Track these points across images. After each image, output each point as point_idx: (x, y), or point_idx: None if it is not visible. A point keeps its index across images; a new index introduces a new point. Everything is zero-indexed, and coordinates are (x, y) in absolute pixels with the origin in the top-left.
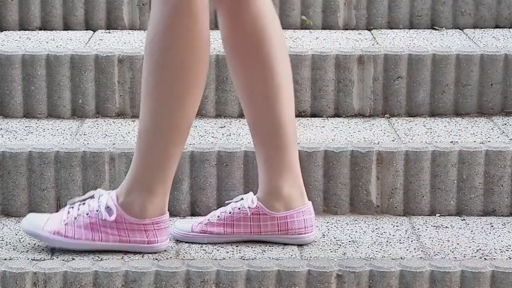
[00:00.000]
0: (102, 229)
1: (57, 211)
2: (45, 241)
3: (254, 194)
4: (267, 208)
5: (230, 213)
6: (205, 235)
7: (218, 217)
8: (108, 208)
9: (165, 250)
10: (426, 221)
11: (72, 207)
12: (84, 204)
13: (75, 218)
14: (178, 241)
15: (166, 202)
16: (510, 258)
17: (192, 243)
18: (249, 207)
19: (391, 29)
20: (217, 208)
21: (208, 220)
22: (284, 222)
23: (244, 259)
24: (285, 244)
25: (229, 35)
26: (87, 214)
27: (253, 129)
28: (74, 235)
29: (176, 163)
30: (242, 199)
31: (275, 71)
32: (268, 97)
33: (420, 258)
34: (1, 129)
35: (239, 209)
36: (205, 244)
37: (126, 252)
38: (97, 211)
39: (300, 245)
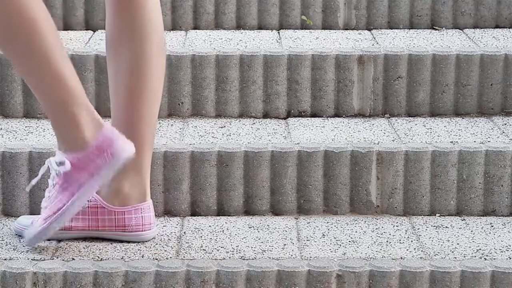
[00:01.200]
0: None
1: None
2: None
3: None
4: (107, 203)
5: (66, 207)
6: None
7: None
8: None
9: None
10: (426, 221)
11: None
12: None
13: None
14: (179, 241)
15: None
16: (510, 258)
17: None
18: (88, 201)
19: (391, 29)
20: (217, 207)
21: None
22: (122, 218)
23: (244, 259)
24: (122, 241)
25: (114, 20)
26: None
27: (116, 122)
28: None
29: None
30: None
31: (146, 67)
32: (132, 92)
33: (420, 258)
34: (1, 129)
35: (76, 205)
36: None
37: (126, 252)
38: (57, 174)
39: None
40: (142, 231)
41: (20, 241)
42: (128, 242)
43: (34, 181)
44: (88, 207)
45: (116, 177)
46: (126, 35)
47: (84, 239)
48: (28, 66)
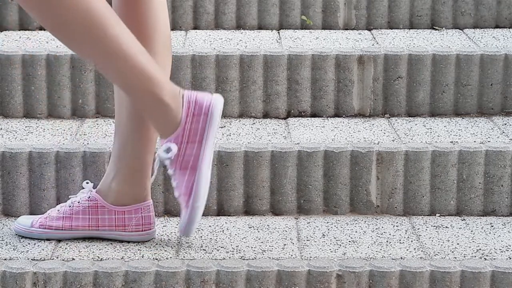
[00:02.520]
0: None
1: None
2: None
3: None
4: (106, 200)
5: (69, 206)
6: (44, 230)
7: (58, 210)
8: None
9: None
10: (426, 221)
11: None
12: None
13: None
14: (179, 241)
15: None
16: (510, 258)
17: (32, 238)
18: (88, 198)
19: (391, 29)
20: (217, 207)
21: (48, 214)
22: (122, 217)
23: (244, 259)
24: (122, 241)
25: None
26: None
27: (118, 126)
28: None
29: None
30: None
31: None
32: None
33: (420, 258)
34: (1, 129)
35: (78, 202)
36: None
37: (126, 252)
38: (171, 161)
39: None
40: (142, 231)
41: (20, 241)
42: (128, 242)
43: (152, 179)
44: (88, 206)
45: (117, 177)
46: (132, 33)
47: (84, 239)
48: (118, 78)
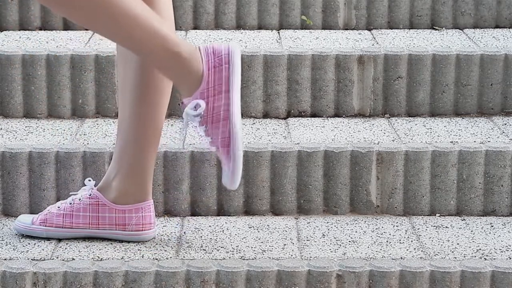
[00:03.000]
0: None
1: None
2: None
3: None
4: (107, 198)
5: (70, 203)
6: (45, 228)
7: (58, 207)
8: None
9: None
10: (426, 221)
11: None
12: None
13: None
14: (179, 241)
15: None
16: (510, 258)
17: (33, 238)
18: (89, 196)
19: (391, 29)
20: (217, 207)
21: (48, 210)
22: (122, 216)
23: (244, 259)
24: (122, 241)
25: None
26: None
27: (121, 124)
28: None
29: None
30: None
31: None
32: (138, 89)
33: (420, 258)
34: (1, 129)
35: (79, 200)
36: (47, 240)
37: (126, 252)
38: (201, 118)
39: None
40: (142, 230)
41: (20, 241)
42: (128, 242)
43: (182, 143)
44: (89, 204)
45: (119, 176)
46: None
47: (84, 239)
48: (135, 43)
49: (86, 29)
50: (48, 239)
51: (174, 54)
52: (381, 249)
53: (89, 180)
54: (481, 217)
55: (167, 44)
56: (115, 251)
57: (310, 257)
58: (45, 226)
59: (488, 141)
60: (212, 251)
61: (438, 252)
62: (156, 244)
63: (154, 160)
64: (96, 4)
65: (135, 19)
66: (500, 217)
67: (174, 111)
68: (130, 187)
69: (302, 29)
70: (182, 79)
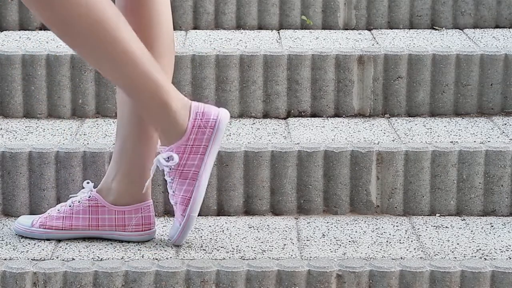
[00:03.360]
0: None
1: None
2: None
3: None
4: (106, 200)
5: (70, 206)
6: (44, 230)
7: (58, 210)
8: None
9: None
10: (426, 221)
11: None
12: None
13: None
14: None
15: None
16: (510, 258)
17: (33, 238)
18: (88, 198)
19: (391, 29)
20: (217, 207)
21: (48, 213)
22: (122, 217)
23: (244, 259)
24: (122, 241)
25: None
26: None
27: (120, 125)
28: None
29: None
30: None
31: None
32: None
33: (420, 258)
34: (1, 129)
35: (78, 202)
36: (47, 240)
37: (126, 252)
38: (170, 170)
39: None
40: (142, 231)
41: (20, 241)
42: (128, 242)
43: (147, 182)
44: (89, 206)
45: (118, 177)
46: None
47: (84, 239)
48: (125, 83)
49: None
50: (48, 239)
51: (163, 103)
52: (381, 249)
53: (88, 183)
54: (481, 217)
55: (159, 91)
56: (115, 251)
57: (310, 257)
58: (45, 228)
59: (488, 141)
60: (212, 251)
61: (438, 252)
62: (156, 244)
63: (152, 157)
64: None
65: (133, 61)
66: (500, 217)
67: None
68: (130, 187)
69: (302, 29)
70: (164, 129)
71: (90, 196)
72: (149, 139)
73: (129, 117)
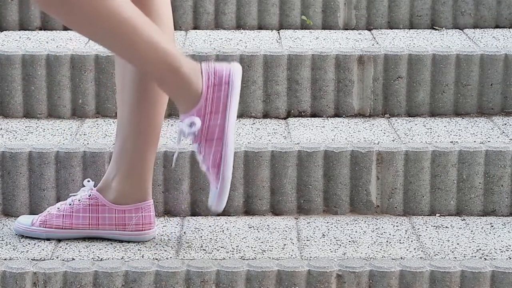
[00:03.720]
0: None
1: None
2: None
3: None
4: (107, 199)
5: (70, 204)
6: (45, 229)
7: (58, 208)
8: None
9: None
10: (426, 221)
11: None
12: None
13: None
14: (179, 241)
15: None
16: (510, 258)
17: (32, 238)
18: (89, 197)
19: (391, 29)
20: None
21: (48, 211)
22: (122, 216)
23: (244, 259)
24: (122, 241)
25: None
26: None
27: (120, 124)
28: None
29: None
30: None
31: None
32: (136, 90)
33: (420, 258)
34: (1, 129)
35: (79, 200)
36: (47, 240)
37: (126, 252)
38: (195, 136)
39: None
40: (142, 230)
41: (20, 241)
42: (128, 242)
43: (175, 157)
44: (89, 204)
45: (118, 176)
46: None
47: (84, 239)
48: (136, 56)
49: None
50: (48, 239)
51: (175, 69)
52: (381, 249)
53: (88, 181)
54: (481, 217)
55: (168, 58)
56: (115, 251)
57: (310, 257)
58: (45, 227)
59: (488, 141)
60: (212, 251)
61: (438, 252)
62: (156, 244)
63: (154, 160)
64: (97, 13)
65: (135, 29)
66: (500, 217)
67: (174, 111)
68: (130, 187)
69: (302, 29)
70: (181, 95)
71: (90, 195)
72: (149, 137)
73: (129, 117)
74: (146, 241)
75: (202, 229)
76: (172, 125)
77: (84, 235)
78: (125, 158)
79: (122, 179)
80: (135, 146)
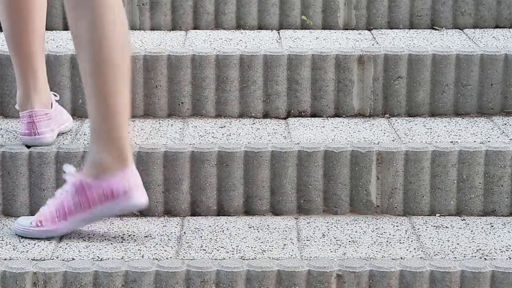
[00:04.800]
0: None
1: None
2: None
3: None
4: (90, 178)
5: (58, 197)
6: (42, 229)
7: (48, 204)
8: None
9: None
10: (426, 221)
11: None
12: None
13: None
14: (179, 241)
15: None
16: (510, 258)
17: (33, 238)
18: (73, 182)
19: (391, 29)
20: (217, 207)
21: (41, 211)
22: (109, 187)
23: (244, 259)
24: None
25: None
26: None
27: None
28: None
29: None
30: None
31: (102, 37)
32: (92, 63)
33: (420, 258)
34: (1, 129)
35: (66, 191)
36: (47, 240)
37: (126, 252)
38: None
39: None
40: (131, 196)
41: (20, 241)
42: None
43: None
44: (76, 189)
45: (92, 150)
46: (82, 4)
47: (84, 239)
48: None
49: None
50: (48, 239)
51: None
52: (381, 249)
53: (67, 167)
54: (481, 217)
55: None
56: (115, 251)
57: (310, 257)
58: (42, 225)
59: (488, 141)
60: (212, 251)
61: (438, 252)
62: (156, 244)
63: (127, 129)
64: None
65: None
66: (500, 217)
67: (173, 111)
68: (109, 158)
69: (302, 29)
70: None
71: (74, 181)
72: (118, 111)
73: (91, 92)
74: (140, 207)
75: (202, 229)
76: (172, 125)
77: (81, 222)
78: (95, 128)
79: (100, 152)
80: (98, 109)
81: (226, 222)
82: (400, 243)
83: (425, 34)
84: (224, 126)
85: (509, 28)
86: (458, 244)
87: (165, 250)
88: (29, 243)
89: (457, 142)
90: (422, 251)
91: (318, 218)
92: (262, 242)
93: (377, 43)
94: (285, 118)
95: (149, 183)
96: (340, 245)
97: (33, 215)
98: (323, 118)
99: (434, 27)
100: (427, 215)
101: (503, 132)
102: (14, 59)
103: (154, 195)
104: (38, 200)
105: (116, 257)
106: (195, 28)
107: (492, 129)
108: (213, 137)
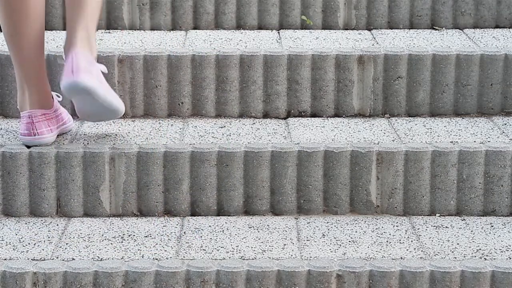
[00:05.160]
0: None
1: (57, 211)
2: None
3: None
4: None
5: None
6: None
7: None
8: None
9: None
10: (426, 221)
11: None
12: None
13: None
14: (179, 241)
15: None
16: (510, 258)
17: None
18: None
19: (391, 29)
20: (217, 207)
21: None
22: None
23: (244, 259)
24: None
25: None
26: None
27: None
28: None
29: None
30: None
31: None
32: None
33: (420, 258)
34: (1, 129)
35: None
36: (47, 240)
37: (126, 252)
38: None
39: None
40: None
41: (20, 241)
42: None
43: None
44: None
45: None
46: None
47: (84, 239)
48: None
49: None
50: (48, 238)
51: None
52: (381, 249)
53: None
54: (481, 217)
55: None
56: (115, 251)
57: (310, 257)
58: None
59: (488, 141)
60: (212, 251)
61: (438, 252)
62: (156, 244)
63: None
64: None
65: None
66: (500, 217)
67: (173, 111)
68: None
69: (302, 29)
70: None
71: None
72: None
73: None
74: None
75: (202, 229)
76: (172, 125)
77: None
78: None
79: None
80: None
81: (226, 222)
82: (400, 243)
83: (425, 34)
84: (224, 126)
85: (509, 28)
86: (458, 244)
87: (165, 250)
88: (29, 243)
89: (457, 142)
90: (422, 251)
91: (318, 218)
92: (262, 242)
93: (377, 43)
94: (285, 118)
95: (149, 183)
96: (340, 245)
97: (33, 215)
98: (323, 118)
99: (434, 27)
100: (427, 215)
101: (503, 132)
102: (14, 59)
103: (154, 195)
104: (38, 200)
105: (116, 257)
106: (195, 28)
107: (492, 129)
108: (213, 137)
